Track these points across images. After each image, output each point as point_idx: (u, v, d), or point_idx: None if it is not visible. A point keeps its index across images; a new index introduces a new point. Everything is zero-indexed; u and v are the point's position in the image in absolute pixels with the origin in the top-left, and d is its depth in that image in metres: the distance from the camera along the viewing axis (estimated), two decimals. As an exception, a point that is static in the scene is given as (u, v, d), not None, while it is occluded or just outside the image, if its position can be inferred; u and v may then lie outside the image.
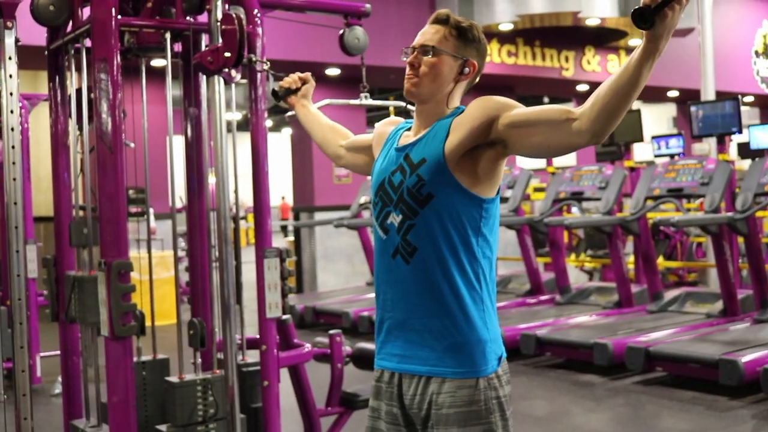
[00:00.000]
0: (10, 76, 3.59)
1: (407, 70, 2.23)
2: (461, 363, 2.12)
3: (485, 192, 2.15)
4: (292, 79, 2.85)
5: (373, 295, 2.33)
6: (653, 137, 9.71)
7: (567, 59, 13.15)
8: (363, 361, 3.92)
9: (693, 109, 8.16)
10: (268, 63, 3.11)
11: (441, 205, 2.12)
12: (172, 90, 3.46)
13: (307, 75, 2.87)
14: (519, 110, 2.09)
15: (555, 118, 2.02)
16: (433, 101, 2.22)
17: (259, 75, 3.27)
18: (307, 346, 3.77)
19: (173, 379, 3.29)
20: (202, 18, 3.38)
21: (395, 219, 2.18)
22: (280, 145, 26.29)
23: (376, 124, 2.54)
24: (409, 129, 2.32)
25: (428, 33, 2.23)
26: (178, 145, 3.53)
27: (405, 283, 2.18)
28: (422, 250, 2.14)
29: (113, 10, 3.04)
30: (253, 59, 3.12)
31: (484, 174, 2.14)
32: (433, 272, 2.13)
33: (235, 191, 3.47)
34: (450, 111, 2.23)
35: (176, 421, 3.24)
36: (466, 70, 2.22)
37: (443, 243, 2.13)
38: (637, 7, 1.82)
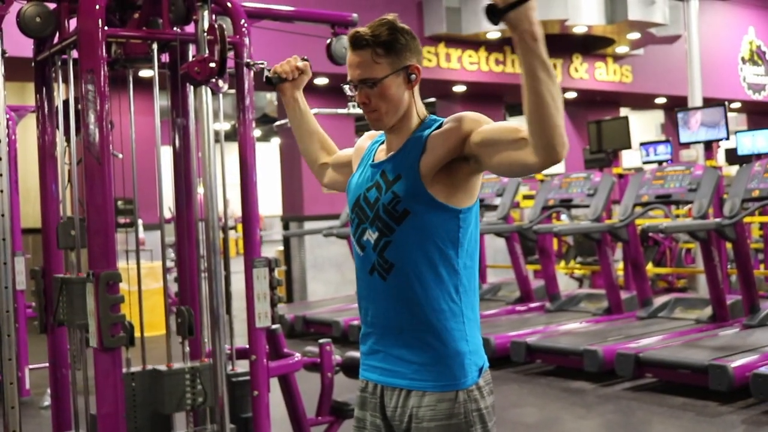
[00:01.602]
0: (-3, 87, 3.58)
1: (363, 108, 2.17)
2: (440, 376, 2.11)
3: (462, 203, 2.13)
4: (289, 68, 2.63)
5: (363, 304, 2.32)
6: (641, 144, 9.75)
7: (555, 67, 13.14)
8: (353, 370, 3.91)
9: (680, 115, 8.20)
10: (264, 62, 3.05)
11: (417, 221, 2.10)
12: (160, 100, 3.45)
13: (306, 65, 2.68)
14: (487, 127, 2.06)
15: (510, 137, 1.98)
16: (399, 120, 2.18)
17: (247, 84, 3.27)
18: (297, 356, 3.76)
19: (161, 367, 3.28)
20: (189, 29, 3.38)
21: (371, 236, 2.16)
22: (268, 155, 26.27)
23: (358, 140, 2.51)
24: (383, 143, 2.29)
25: (357, 66, 2.14)
26: (166, 155, 3.53)
27: (384, 299, 2.17)
28: (399, 267, 2.13)
29: (100, 21, 3.04)
30: (249, 63, 3.10)
31: (461, 187, 2.12)
32: (411, 288, 2.12)
33: (224, 201, 3.47)
34: (421, 120, 2.20)
35: (164, 409, 3.23)
36: (413, 76, 2.16)
37: (421, 259, 2.11)
38: (488, 3, 1.87)
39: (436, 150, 2.10)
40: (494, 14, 1.87)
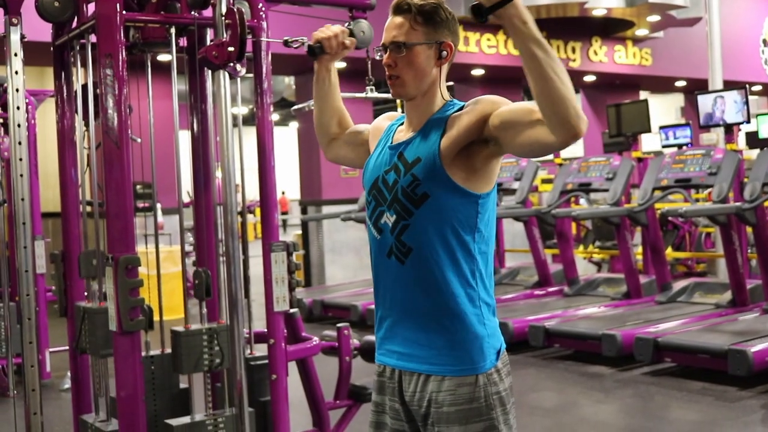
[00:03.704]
0: (16, 72, 3.59)
1: (386, 71, 2.16)
2: (459, 361, 2.11)
3: (481, 188, 2.12)
4: (336, 44, 2.48)
5: (380, 288, 2.31)
6: (661, 127, 9.68)
7: (574, 50, 13.12)
8: (371, 354, 3.91)
9: (701, 98, 8.13)
10: (305, 39, 2.96)
11: (436, 205, 2.09)
12: (178, 85, 3.45)
13: (353, 41, 2.55)
14: (505, 108, 2.05)
15: (526, 119, 1.98)
16: (421, 94, 2.18)
17: (264, 68, 3.26)
18: (315, 340, 3.77)
19: (179, 328, 3.29)
20: (207, 12, 3.37)
21: (389, 219, 2.16)
22: (286, 139, 26.33)
23: (376, 120, 2.49)
24: (402, 124, 2.28)
25: (394, 27, 2.15)
26: (184, 139, 3.53)
27: (400, 283, 2.16)
28: (417, 250, 2.12)
29: (118, 5, 3.04)
30: (288, 41, 3.02)
31: (480, 170, 2.11)
32: (429, 272, 2.11)
33: (242, 185, 3.47)
34: (443, 102, 2.19)
35: (182, 370, 3.25)
36: (444, 53, 2.16)
37: (438, 243, 2.10)
38: (473, 3, 1.89)
39: (455, 131, 2.10)
40: (480, 13, 1.89)
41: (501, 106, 2.07)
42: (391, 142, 2.25)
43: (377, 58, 2.22)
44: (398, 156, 2.18)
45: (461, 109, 2.15)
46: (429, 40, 2.14)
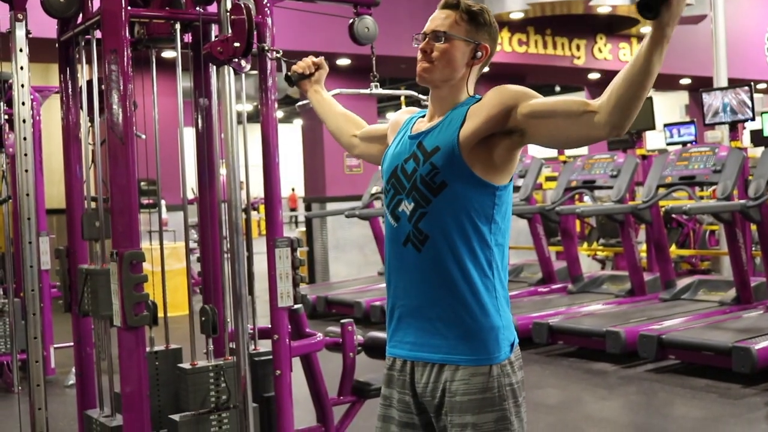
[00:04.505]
0: (21, 68, 3.60)
1: (419, 56, 2.23)
2: (474, 350, 2.12)
3: (499, 179, 2.15)
4: (305, 64, 2.88)
5: (385, 285, 2.34)
6: (665, 125, 9.67)
7: (578, 47, 13.10)
8: (375, 350, 3.92)
9: (706, 96, 8.12)
10: (280, 51, 3.12)
11: (454, 194, 2.12)
12: (183, 81, 3.46)
13: (321, 60, 2.90)
14: (538, 100, 2.09)
15: (574, 109, 2.01)
16: (448, 87, 2.22)
17: (269, 65, 3.26)
18: (319, 336, 3.77)
19: (185, 365, 3.30)
20: (212, 8, 3.38)
21: (407, 207, 2.18)
22: (291, 136, 26.35)
23: (394, 114, 2.53)
24: (423, 116, 2.32)
25: (439, 18, 2.22)
26: (189, 136, 3.54)
27: (416, 271, 2.17)
28: (434, 238, 2.14)
29: (123, 1, 3.04)
30: (265, 48, 3.13)
31: (499, 162, 2.14)
32: (445, 260, 2.13)
33: (246, 182, 3.47)
34: (467, 97, 2.23)
35: (189, 407, 3.25)
36: (479, 54, 2.22)
37: (455, 231, 2.12)
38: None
39: (476, 122, 2.12)
40: (649, 9, 1.83)
41: (529, 98, 2.10)
42: (411, 132, 2.28)
43: (414, 45, 2.27)
44: (418, 145, 2.21)
45: (480, 100, 2.18)
46: (468, 38, 2.20)
